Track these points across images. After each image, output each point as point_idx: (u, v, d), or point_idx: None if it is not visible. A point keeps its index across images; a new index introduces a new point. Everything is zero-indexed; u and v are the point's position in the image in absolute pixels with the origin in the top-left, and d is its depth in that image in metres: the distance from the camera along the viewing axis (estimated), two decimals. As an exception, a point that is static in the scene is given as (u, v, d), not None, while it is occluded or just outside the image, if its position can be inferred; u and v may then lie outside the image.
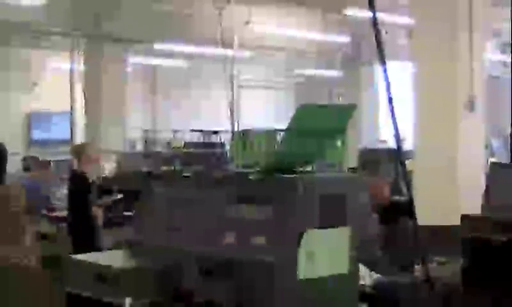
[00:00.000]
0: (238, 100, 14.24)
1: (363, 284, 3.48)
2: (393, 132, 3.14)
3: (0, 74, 17.71)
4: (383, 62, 3.00)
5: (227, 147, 13.37)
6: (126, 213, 7.82)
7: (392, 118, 3.02)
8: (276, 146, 3.33)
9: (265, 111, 21.59)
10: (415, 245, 3.68)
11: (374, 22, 2.95)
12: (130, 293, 3.25)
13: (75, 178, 7.67)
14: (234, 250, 3.05)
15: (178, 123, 18.98)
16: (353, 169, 6.88)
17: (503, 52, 13.61)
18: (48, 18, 13.24)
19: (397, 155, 3.34)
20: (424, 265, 3.26)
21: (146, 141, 17.78)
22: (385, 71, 3.03)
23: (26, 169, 9.98)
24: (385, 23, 8.81)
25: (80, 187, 7.52)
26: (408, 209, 3.49)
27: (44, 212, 8.77)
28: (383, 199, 5.29)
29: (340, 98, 18.91)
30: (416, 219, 3.20)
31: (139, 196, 3.88)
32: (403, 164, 3.29)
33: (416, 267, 4.12)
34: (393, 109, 3.00)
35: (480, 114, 7.65)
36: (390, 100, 3.00)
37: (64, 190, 9.79)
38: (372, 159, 8.64)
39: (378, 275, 3.89)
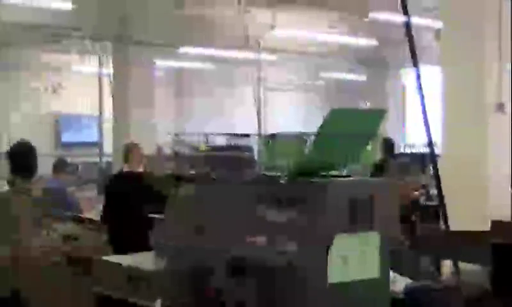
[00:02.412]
0: (265, 103, 14.27)
1: (393, 290, 3.45)
2: (425, 134, 3.13)
3: (29, 77, 17.91)
4: (416, 66, 2.99)
5: (255, 150, 13.38)
6: (153, 215, 7.81)
7: (424, 120, 3.00)
8: (305, 150, 3.33)
9: (292, 114, 21.59)
10: (444, 249, 3.66)
11: (407, 27, 2.94)
12: (161, 295, 3.27)
13: (135, 178, 7.53)
14: (264, 252, 3.05)
15: (206, 126, 19.04)
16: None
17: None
18: (76, 21, 13.37)
19: (430, 157, 3.32)
20: (455, 270, 3.23)
21: (173, 144, 17.82)
22: (418, 75, 3.02)
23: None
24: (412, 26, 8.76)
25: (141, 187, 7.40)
26: (435, 213, 3.47)
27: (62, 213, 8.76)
28: (404, 197, 5.23)
29: (368, 103, 18.87)
30: (448, 223, 3.17)
31: (168, 198, 3.89)
32: (435, 166, 3.27)
33: (444, 271, 4.09)
34: (425, 112, 2.99)
35: (509, 116, 7.58)
36: (423, 103, 2.98)
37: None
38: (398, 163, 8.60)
39: (408, 280, 3.86)
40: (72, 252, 5.41)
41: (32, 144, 5.34)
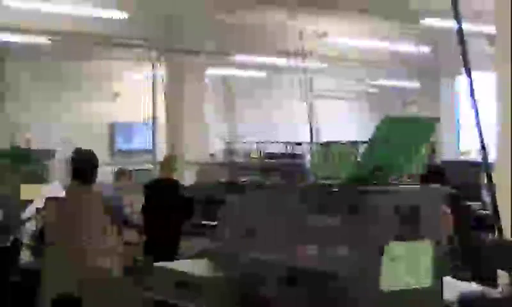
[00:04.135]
0: (315, 111, 14.24)
1: (446, 298, 3.42)
2: (479, 142, 3.10)
3: (83, 85, 18.24)
4: (468, 73, 2.97)
5: (307, 157, 13.38)
6: (205, 223, 7.92)
7: (477, 128, 2.97)
8: (357, 158, 3.32)
9: (342, 122, 21.50)
10: (499, 259, 3.60)
11: (460, 33, 2.92)
12: (211, 301, 3.30)
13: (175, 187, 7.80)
14: (314, 260, 3.05)
15: (257, 134, 19.09)
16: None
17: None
18: (129, 30, 13.56)
19: (484, 165, 3.29)
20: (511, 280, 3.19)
21: (226, 152, 17.97)
22: (471, 81, 2.99)
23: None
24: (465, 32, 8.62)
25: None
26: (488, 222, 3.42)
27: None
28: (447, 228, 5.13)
29: (416, 110, 18.69)
30: (502, 232, 3.13)
31: (220, 205, 3.93)
32: (489, 174, 3.22)
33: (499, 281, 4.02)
34: (479, 119, 2.96)
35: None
36: (476, 109, 2.95)
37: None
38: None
39: (463, 287, 3.82)
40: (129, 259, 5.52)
41: (92, 152, 5.47)
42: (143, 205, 7.93)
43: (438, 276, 3.08)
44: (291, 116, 19.54)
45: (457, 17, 2.98)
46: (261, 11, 13.53)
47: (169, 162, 8.09)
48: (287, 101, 20.02)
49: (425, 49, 15.96)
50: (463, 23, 3.21)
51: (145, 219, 7.82)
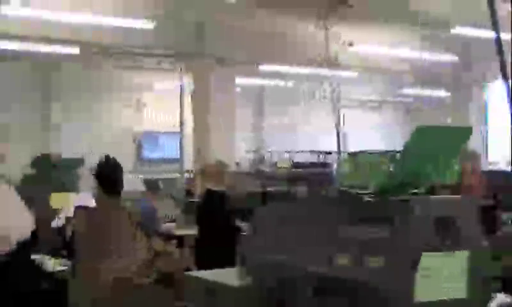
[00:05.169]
0: (343, 120, 14.22)
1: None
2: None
3: (111, 95, 18.38)
4: (506, 80, 2.93)
5: (335, 167, 13.34)
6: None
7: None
8: (389, 167, 3.29)
9: (370, 131, 21.45)
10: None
11: (498, 42, 2.89)
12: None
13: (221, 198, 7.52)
14: (348, 271, 3.02)
15: (283, 143, 19.09)
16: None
17: None
18: (156, 40, 13.65)
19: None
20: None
21: (254, 161, 18.01)
22: (509, 89, 2.96)
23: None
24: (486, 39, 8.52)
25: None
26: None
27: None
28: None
29: (420, 117, 18.64)
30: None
31: (252, 214, 3.91)
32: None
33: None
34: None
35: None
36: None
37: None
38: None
39: (502, 298, 3.77)
40: (164, 268, 5.51)
41: (116, 161, 5.48)
42: (197, 217, 7.67)
43: (474, 287, 3.04)
44: (315, 125, 19.51)
45: (495, 27, 2.95)
46: (291, 19, 13.54)
47: (217, 170, 7.70)
48: (316, 110, 20.03)
49: (454, 58, 15.89)
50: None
51: (200, 232, 7.56)
